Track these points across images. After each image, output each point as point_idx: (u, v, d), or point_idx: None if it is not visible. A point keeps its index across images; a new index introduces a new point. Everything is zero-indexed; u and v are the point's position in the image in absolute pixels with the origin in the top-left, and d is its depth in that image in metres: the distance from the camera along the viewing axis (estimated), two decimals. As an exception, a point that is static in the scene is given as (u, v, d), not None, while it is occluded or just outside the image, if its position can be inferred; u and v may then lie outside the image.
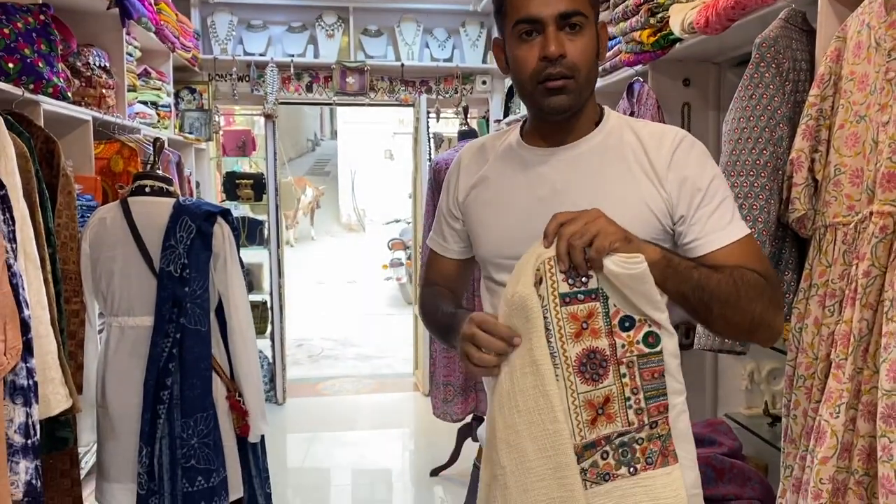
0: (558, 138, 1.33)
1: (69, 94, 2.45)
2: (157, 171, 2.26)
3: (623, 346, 1.08)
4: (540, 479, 1.07)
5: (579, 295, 1.07)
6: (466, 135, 3.82)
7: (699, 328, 1.70)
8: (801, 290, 1.51)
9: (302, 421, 4.91)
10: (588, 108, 1.31)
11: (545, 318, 1.08)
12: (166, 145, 3.75)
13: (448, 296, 1.45)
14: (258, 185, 5.27)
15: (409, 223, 10.07)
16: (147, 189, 2.22)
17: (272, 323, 5.21)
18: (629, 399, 1.08)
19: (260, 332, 5.32)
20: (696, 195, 1.21)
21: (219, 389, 2.24)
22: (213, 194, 5.19)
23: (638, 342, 1.08)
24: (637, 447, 1.09)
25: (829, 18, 1.58)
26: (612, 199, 1.23)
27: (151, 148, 2.64)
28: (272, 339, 5.19)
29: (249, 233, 5.38)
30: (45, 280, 1.80)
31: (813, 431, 1.39)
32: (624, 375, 1.08)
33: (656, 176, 1.24)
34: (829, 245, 1.44)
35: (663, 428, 1.09)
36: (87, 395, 2.20)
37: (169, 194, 2.24)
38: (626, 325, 1.08)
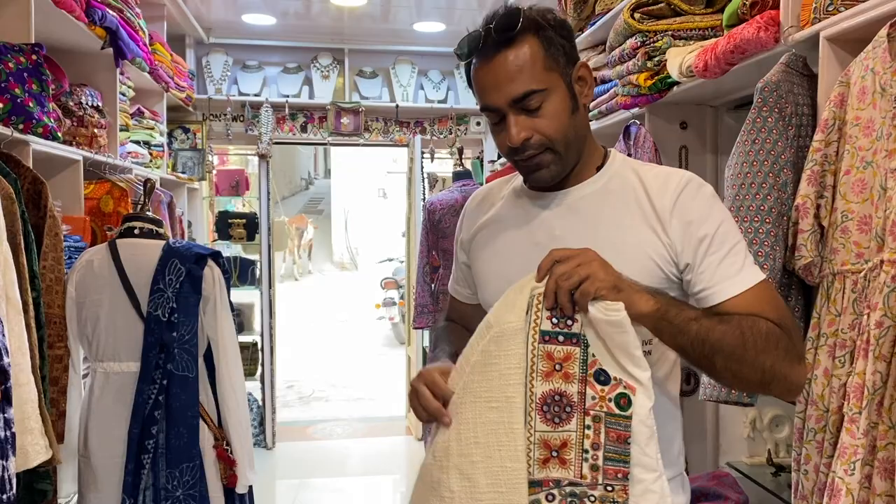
0: (559, 185, 1.30)
1: (59, 135, 2.41)
2: (147, 213, 2.22)
3: (594, 398, 1.03)
4: None
5: (560, 336, 1.04)
6: (461, 175, 3.81)
7: (704, 377, 1.65)
8: (809, 339, 1.46)
9: (291, 466, 4.80)
10: (585, 156, 1.28)
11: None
12: (158, 185, 3.72)
13: (457, 333, 1.42)
14: (251, 225, 5.23)
15: (402, 262, 10.06)
16: (136, 231, 2.17)
17: (262, 364, 5.12)
18: (587, 452, 1.03)
19: (250, 373, 5.22)
20: (703, 242, 1.16)
21: (206, 438, 2.16)
22: (205, 234, 5.14)
23: (609, 399, 1.03)
24: (587, 502, 1.04)
25: (830, 63, 1.57)
26: (610, 246, 1.17)
27: (142, 188, 2.61)
28: (262, 382, 5.10)
29: (241, 272, 5.32)
30: (28, 325, 1.74)
31: (826, 488, 1.33)
32: (588, 427, 1.04)
33: (659, 221, 1.19)
34: (838, 293, 1.40)
35: (620, 495, 1.02)
36: (69, 444, 2.12)
37: (159, 236, 2.19)
38: (601, 378, 1.03)
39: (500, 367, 1.05)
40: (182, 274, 2.08)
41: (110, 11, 2.93)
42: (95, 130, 3.00)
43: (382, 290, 9.15)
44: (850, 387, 1.31)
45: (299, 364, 7.99)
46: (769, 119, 1.52)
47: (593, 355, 1.03)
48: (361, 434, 5.50)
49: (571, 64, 1.23)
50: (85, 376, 2.24)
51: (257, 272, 5.28)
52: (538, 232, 1.29)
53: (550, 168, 1.22)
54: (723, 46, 1.85)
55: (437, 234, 3.68)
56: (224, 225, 5.23)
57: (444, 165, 5.66)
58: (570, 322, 1.04)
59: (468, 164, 5.45)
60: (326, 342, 9.74)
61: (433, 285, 3.71)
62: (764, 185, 1.50)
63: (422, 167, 5.02)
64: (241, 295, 5.44)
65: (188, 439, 2.08)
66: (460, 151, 4.05)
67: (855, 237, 1.38)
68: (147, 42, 3.57)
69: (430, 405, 1.09)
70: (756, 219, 1.50)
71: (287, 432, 5.37)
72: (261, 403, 5.10)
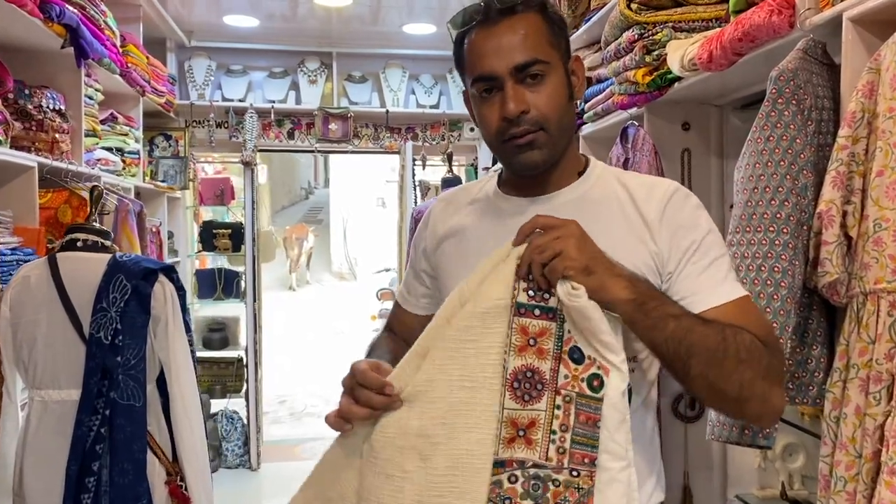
0: (537, 189, 1.20)
1: (3, 139, 2.21)
2: (94, 223, 2.01)
3: (566, 376, 0.97)
4: (440, 496, 0.97)
5: (536, 310, 0.98)
6: (450, 182, 3.61)
7: (712, 414, 1.43)
8: (836, 370, 1.24)
9: (277, 488, 4.56)
10: (568, 156, 1.20)
11: None
12: (132, 194, 3.52)
13: (391, 344, 1.31)
14: (237, 235, 5.02)
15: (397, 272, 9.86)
16: (79, 243, 1.96)
17: (248, 381, 4.90)
18: (555, 433, 0.97)
19: (235, 390, 5.02)
20: (688, 250, 1.10)
21: (157, 473, 1.95)
22: (188, 244, 4.94)
23: (582, 380, 0.96)
24: (551, 486, 0.96)
25: (856, 48, 1.36)
26: None
27: (108, 196, 2.40)
28: (247, 399, 4.88)
29: (226, 285, 5.12)
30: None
31: (861, 552, 1.11)
32: (559, 407, 0.97)
33: (647, 230, 1.12)
34: (871, 317, 1.18)
35: (585, 482, 0.95)
36: (3, 483, 1.91)
37: (105, 249, 1.98)
38: (576, 356, 0.97)
39: (480, 345, 0.99)
40: (127, 291, 1.87)
41: (70, 7, 2.72)
42: (57, 135, 2.80)
43: (379, 300, 8.92)
44: (888, 430, 1.10)
45: (293, 378, 7.76)
46: (786, 112, 1.31)
47: (569, 332, 0.98)
48: (352, 453, 5.25)
49: (568, 53, 1.18)
50: (22, 406, 2.03)
51: (242, 284, 5.07)
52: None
53: (542, 149, 1.13)
54: (730, 34, 1.64)
55: (425, 244, 3.46)
56: (208, 235, 5.03)
57: (437, 173, 5.45)
58: (546, 296, 0.98)
59: (461, 172, 5.27)
60: (322, 354, 9.51)
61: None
62: (780, 189, 1.29)
63: (413, 174, 4.81)
64: (227, 308, 5.25)
65: (133, 476, 1.86)
66: (450, 157, 3.84)
67: (891, 250, 1.16)
68: (117, 43, 3.37)
69: (373, 400, 0.99)
70: (771, 228, 1.29)
71: (274, 451, 5.14)
72: (245, 422, 4.88)
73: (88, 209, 2.04)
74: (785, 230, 1.28)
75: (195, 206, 5.15)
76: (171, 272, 1.98)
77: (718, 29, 1.83)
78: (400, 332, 1.37)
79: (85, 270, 1.92)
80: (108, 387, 1.85)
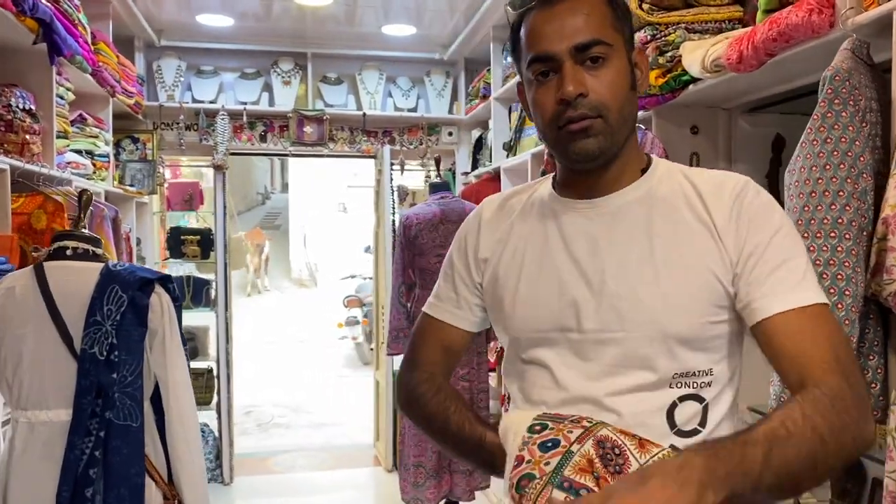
0: (596, 190, 1.10)
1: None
2: (82, 230, 1.87)
3: None
4: None
5: None
6: (439, 187, 3.51)
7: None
8: (901, 384, 1.20)
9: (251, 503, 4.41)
10: (629, 152, 1.10)
11: None
12: (103, 199, 3.35)
13: (454, 395, 1.18)
14: (205, 242, 4.85)
15: (365, 279, 9.70)
16: (68, 252, 1.82)
17: (219, 392, 4.73)
18: None
19: (205, 402, 4.83)
20: (757, 249, 1.00)
21: (153, 497, 1.81)
22: (156, 251, 4.76)
23: None
24: None
25: (907, 48, 1.32)
26: (666, 259, 1.02)
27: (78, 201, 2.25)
28: (218, 411, 4.71)
29: (195, 293, 4.93)
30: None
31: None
32: None
33: (716, 230, 1.03)
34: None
35: None
36: (-15, 511, 1.75)
37: (96, 258, 1.85)
38: None
39: None
40: (123, 303, 1.73)
41: (43, 0, 2.57)
42: (27, 136, 2.63)
43: (345, 308, 8.78)
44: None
45: (257, 388, 7.57)
46: (843, 114, 1.26)
47: None
48: (327, 466, 5.12)
49: (631, 43, 1.10)
50: (5, 426, 1.88)
51: (212, 293, 4.90)
52: (576, 245, 1.09)
53: (599, 138, 1.04)
54: (763, 34, 1.59)
55: (414, 250, 3.37)
56: (176, 242, 4.84)
57: (414, 178, 5.36)
58: None
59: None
60: (285, 363, 9.32)
61: (409, 306, 3.40)
62: (841, 193, 1.24)
63: (391, 179, 4.71)
64: (195, 317, 5.05)
65: (130, 502, 1.72)
66: (438, 162, 3.76)
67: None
68: (89, 40, 3.21)
69: None
70: (833, 234, 1.24)
71: (246, 465, 4.98)
72: (217, 435, 4.71)
73: (78, 215, 1.89)
74: (847, 236, 1.23)
75: (162, 212, 4.96)
76: (167, 282, 1.85)
77: (743, 29, 1.79)
78: (439, 359, 1.23)
79: (75, 281, 1.78)
80: (102, 406, 1.71)
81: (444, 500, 3.46)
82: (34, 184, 2.62)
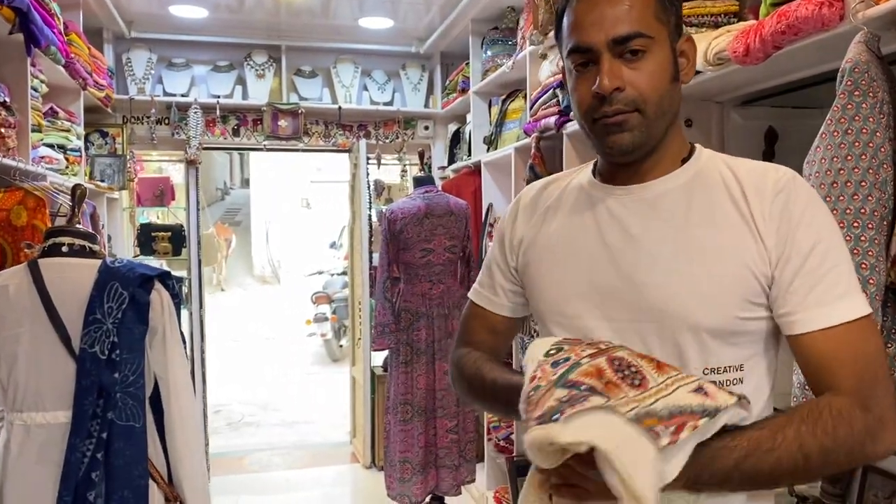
0: (634, 178, 1.09)
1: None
2: (78, 226, 1.81)
3: None
4: None
5: None
6: (423, 181, 3.49)
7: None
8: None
9: (230, 502, 4.34)
10: (670, 142, 1.08)
11: None
12: (76, 194, 3.25)
13: (488, 358, 1.21)
14: (177, 238, 4.75)
15: (332, 275, 9.62)
16: (64, 248, 1.76)
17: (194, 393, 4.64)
18: None
19: (179, 402, 4.74)
20: (799, 256, 0.98)
21: (155, 499, 1.77)
22: (126, 248, 4.64)
23: None
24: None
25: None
26: (700, 250, 1.01)
27: (64, 197, 2.19)
28: (194, 411, 4.61)
29: (167, 291, 4.82)
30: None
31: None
32: None
33: (755, 224, 1.00)
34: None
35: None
36: (-21, 517, 1.69)
37: (93, 254, 1.79)
38: None
39: None
40: (125, 300, 1.68)
41: (20, -11, 2.48)
42: (2, 130, 2.54)
43: (313, 304, 8.69)
44: None
45: (225, 386, 7.45)
46: (863, 105, 1.28)
47: None
48: (303, 464, 5.07)
49: (678, 31, 1.08)
50: (-1, 430, 1.81)
51: (185, 290, 4.80)
52: (610, 231, 1.08)
53: (634, 132, 1.03)
54: (771, 27, 1.61)
55: (399, 245, 3.35)
56: (147, 239, 4.73)
57: (390, 172, 5.32)
58: None
59: (415, 171, 5.16)
60: (252, 361, 9.19)
61: (395, 301, 3.38)
62: (863, 183, 1.26)
63: (367, 174, 4.67)
64: (167, 315, 4.95)
65: (135, 505, 1.68)
66: (421, 155, 3.74)
67: None
68: (62, 31, 3.11)
69: None
70: (856, 224, 1.26)
71: (220, 464, 4.90)
72: (192, 435, 4.61)
73: (72, 210, 1.83)
74: (870, 226, 1.25)
75: (131, 207, 4.85)
76: (166, 278, 1.81)
77: (748, 22, 1.81)
78: (483, 341, 1.26)
79: (73, 278, 1.72)
80: (104, 407, 1.66)
81: (430, 496, 3.45)
82: (11, 179, 2.53)
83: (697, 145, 1.13)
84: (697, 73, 2.02)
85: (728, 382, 1.01)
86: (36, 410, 1.69)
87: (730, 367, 1.02)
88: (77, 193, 1.85)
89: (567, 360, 0.96)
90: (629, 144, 1.03)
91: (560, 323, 1.12)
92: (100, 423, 1.66)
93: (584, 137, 2.91)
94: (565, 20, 1.07)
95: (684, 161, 1.09)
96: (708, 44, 1.87)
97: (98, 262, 1.76)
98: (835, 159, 1.30)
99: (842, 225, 1.27)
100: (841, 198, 1.28)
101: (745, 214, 1.01)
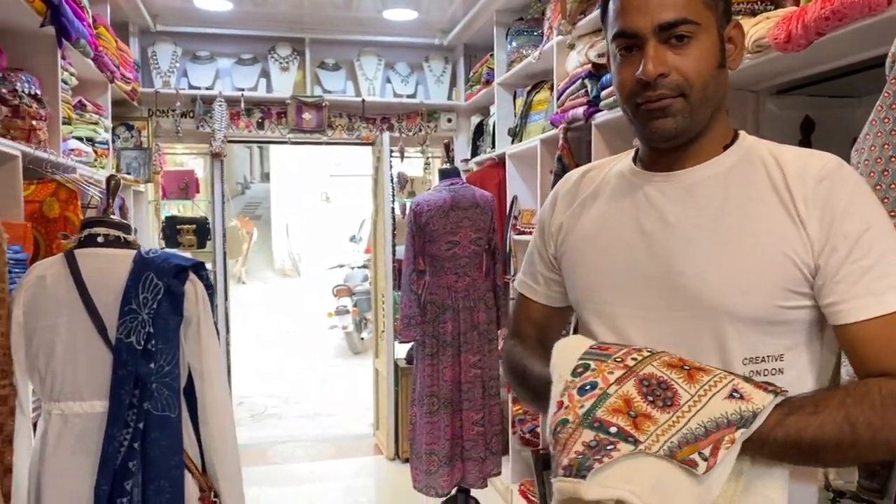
0: (675, 164, 1.08)
1: (-4, 124, 1.99)
2: (112, 217, 1.82)
3: None
4: None
5: None
6: (449, 173, 3.48)
7: None
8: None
9: (256, 493, 4.37)
10: (714, 129, 1.07)
11: None
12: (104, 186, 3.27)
13: (537, 352, 1.19)
14: (202, 231, 4.78)
15: (353, 268, 9.64)
16: (100, 239, 1.77)
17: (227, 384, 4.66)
18: None
19: (204, 394, 4.78)
20: (845, 243, 0.95)
21: (190, 489, 1.77)
22: (153, 241, 4.67)
23: None
24: None
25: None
26: (736, 238, 0.99)
27: (94, 189, 2.20)
28: (219, 403, 4.64)
29: (191, 283, 4.85)
30: (-32, 363, 1.34)
31: None
32: None
33: (798, 213, 0.98)
34: None
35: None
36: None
37: (128, 245, 1.79)
38: None
39: None
40: (160, 291, 1.69)
41: (51, -18, 2.49)
42: (34, 122, 2.56)
43: (335, 297, 8.71)
44: None
45: (247, 378, 7.49)
46: (915, 92, 1.25)
47: None
48: (327, 455, 5.09)
49: (727, 17, 1.07)
50: (35, 419, 1.82)
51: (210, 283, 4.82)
52: (647, 218, 1.07)
53: (677, 118, 1.01)
54: (815, 13, 1.58)
55: (424, 237, 3.33)
56: (172, 231, 4.77)
57: (412, 165, 5.32)
58: None
59: (437, 164, 5.15)
60: (274, 354, 9.24)
61: (421, 293, 3.37)
62: (914, 171, 1.23)
63: (390, 166, 4.66)
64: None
65: (172, 494, 1.69)
66: (447, 147, 3.72)
67: None
68: (91, 24, 3.12)
69: None
70: (906, 213, 1.23)
71: (244, 456, 4.82)
72: (217, 426, 4.64)
73: (107, 201, 1.84)
74: (922, 214, 1.22)
75: (157, 201, 4.88)
76: (200, 269, 1.81)
77: (788, 9, 1.78)
78: (530, 331, 1.26)
79: (108, 269, 1.73)
80: (140, 397, 1.66)
81: (455, 488, 3.45)
82: (43, 171, 2.55)
83: (742, 132, 1.11)
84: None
85: (767, 373, 1.00)
86: (73, 400, 1.70)
87: (769, 356, 1.00)
88: (112, 184, 1.86)
89: (594, 386, 0.94)
90: (672, 130, 1.02)
91: (595, 311, 1.12)
92: (136, 413, 1.67)
93: (614, 128, 2.87)
94: (611, 4, 1.05)
95: (726, 148, 1.07)
96: (746, 31, 1.84)
97: (133, 252, 1.76)
98: (886, 146, 1.27)
99: (892, 214, 1.25)
100: (892, 186, 1.25)
101: (787, 202, 0.99)
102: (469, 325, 3.33)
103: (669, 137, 1.03)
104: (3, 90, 2.45)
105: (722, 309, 0.99)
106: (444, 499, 3.44)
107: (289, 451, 5.23)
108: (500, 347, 3.54)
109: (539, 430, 3.47)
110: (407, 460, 4.40)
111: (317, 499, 4.27)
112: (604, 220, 1.13)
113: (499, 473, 3.51)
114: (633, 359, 0.97)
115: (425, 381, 3.34)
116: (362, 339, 8.67)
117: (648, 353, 0.97)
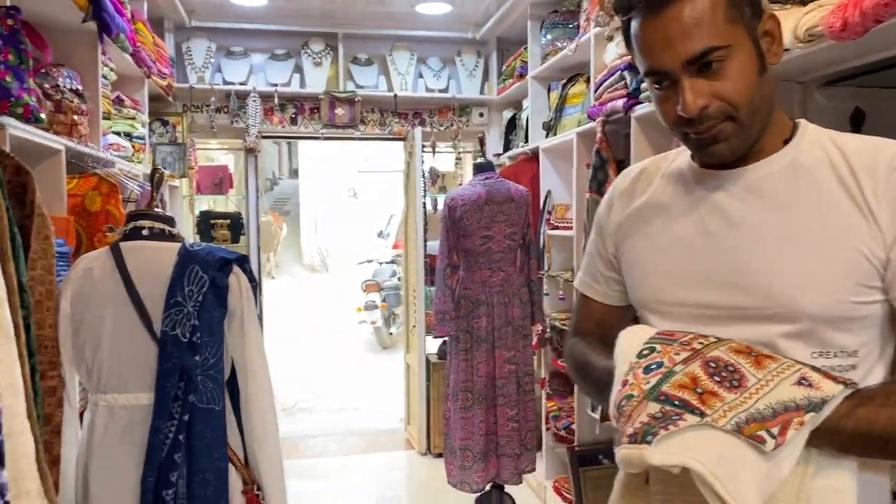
0: (736, 162, 1.04)
1: (42, 116, 2.01)
2: (157, 210, 1.83)
3: None
4: None
5: None
6: (483, 168, 3.46)
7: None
8: None
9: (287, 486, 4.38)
10: (769, 128, 1.03)
11: None
12: (143, 180, 3.30)
13: (599, 349, 1.17)
14: (235, 226, 4.81)
15: (381, 263, 9.66)
16: (145, 231, 1.78)
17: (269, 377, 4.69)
18: None
19: (238, 388, 4.81)
20: None
21: (233, 482, 1.78)
22: (187, 236, 4.69)
23: None
24: None
25: None
26: (807, 235, 0.97)
27: (133, 183, 2.21)
28: (252, 396, 4.67)
29: (225, 278, 4.89)
30: (21, 355, 1.35)
31: None
32: None
33: (867, 204, 0.95)
34: None
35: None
36: (65, 496, 1.72)
37: (172, 238, 1.80)
38: None
39: None
40: (205, 284, 1.69)
41: (93, -23, 2.52)
42: (75, 117, 2.58)
43: (363, 292, 8.74)
44: None
45: (278, 373, 7.54)
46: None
47: None
48: (358, 450, 5.10)
49: (757, 16, 1.00)
50: (82, 411, 1.84)
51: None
52: (710, 218, 1.05)
53: (730, 141, 0.99)
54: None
55: (458, 232, 3.32)
56: (206, 226, 4.81)
57: (443, 160, 5.30)
58: None
59: (468, 158, 5.13)
60: (304, 348, 9.29)
61: (455, 288, 3.36)
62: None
63: (422, 162, 4.65)
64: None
65: (216, 487, 1.69)
66: (481, 141, 3.71)
67: None
68: (130, 19, 3.15)
69: None
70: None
71: (277, 450, 4.95)
72: (250, 420, 4.68)
73: (151, 194, 1.85)
74: None
75: (191, 195, 4.92)
76: (244, 262, 1.81)
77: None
78: (593, 329, 1.24)
79: (153, 261, 1.74)
80: (185, 389, 1.67)
81: (490, 484, 3.43)
82: (84, 165, 2.58)
83: (802, 122, 1.07)
84: (785, 50, 1.94)
85: (839, 369, 0.97)
86: (119, 392, 1.71)
87: (841, 352, 0.98)
88: (156, 178, 1.87)
89: (660, 365, 0.93)
90: (727, 153, 1.01)
91: (658, 311, 1.10)
92: (181, 406, 1.67)
93: (654, 121, 2.81)
94: (632, 32, 1.02)
95: (786, 142, 1.04)
96: (798, 20, 1.80)
97: (177, 245, 1.77)
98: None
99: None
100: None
101: (855, 195, 0.96)
102: (503, 321, 3.31)
103: (725, 160, 1.02)
104: (46, 85, 2.48)
105: (794, 306, 0.97)
106: (479, 494, 3.43)
107: (321, 444, 5.26)
108: (533, 343, 3.52)
109: (574, 426, 3.45)
110: (439, 455, 4.40)
111: (349, 492, 4.28)
112: (665, 219, 1.11)
113: (533, 470, 3.49)
114: (700, 343, 0.96)
115: (459, 377, 3.32)
116: (391, 333, 8.69)
117: (715, 339, 0.97)
